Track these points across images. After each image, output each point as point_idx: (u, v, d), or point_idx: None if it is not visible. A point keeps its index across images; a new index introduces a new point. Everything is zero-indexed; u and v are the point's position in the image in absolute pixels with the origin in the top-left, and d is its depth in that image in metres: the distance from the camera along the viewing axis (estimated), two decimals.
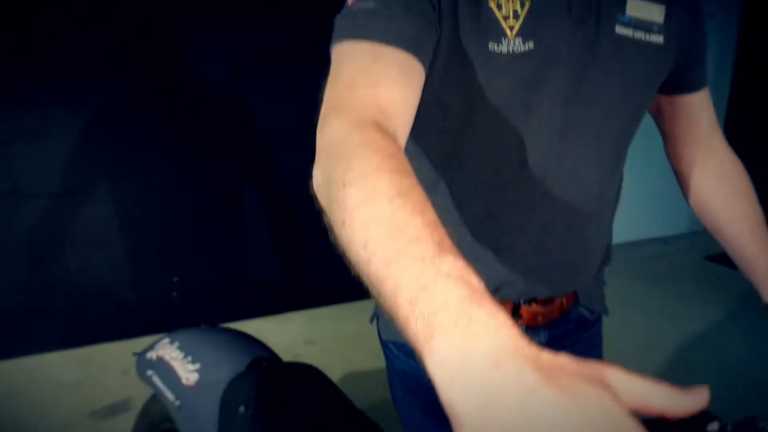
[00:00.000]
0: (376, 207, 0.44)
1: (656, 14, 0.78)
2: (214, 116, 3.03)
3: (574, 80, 0.74)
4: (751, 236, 0.91)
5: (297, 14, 2.98)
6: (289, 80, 3.02)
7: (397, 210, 0.43)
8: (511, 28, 0.69)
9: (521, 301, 0.89)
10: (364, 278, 0.43)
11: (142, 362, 1.34)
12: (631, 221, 4.10)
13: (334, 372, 1.16)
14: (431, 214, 0.43)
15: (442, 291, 0.36)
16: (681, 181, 0.99)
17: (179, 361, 1.24)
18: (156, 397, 1.36)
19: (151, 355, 1.32)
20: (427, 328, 0.35)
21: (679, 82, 0.89)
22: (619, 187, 0.93)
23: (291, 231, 3.36)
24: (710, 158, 0.95)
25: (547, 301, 0.90)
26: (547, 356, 0.33)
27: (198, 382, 1.17)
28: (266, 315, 3.25)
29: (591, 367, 0.33)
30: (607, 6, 0.74)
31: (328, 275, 3.41)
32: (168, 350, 1.29)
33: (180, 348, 1.28)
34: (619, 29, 0.75)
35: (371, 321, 1.02)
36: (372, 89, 0.59)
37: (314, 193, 0.54)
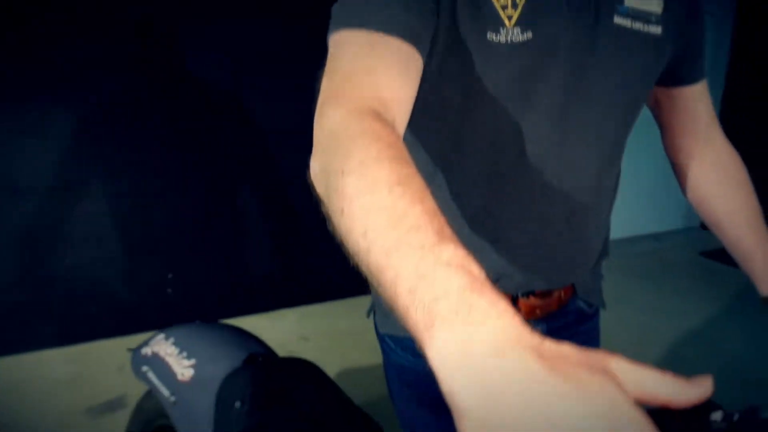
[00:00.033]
0: (375, 196, 0.43)
1: (654, 5, 0.78)
2: (211, 115, 3.02)
3: (572, 71, 0.74)
4: (748, 228, 0.91)
5: (297, 14, 2.97)
6: (289, 80, 3.01)
7: (396, 199, 0.42)
8: (510, 17, 0.69)
9: (519, 294, 0.88)
10: (363, 268, 0.43)
11: (137, 358, 1.33)
12: (625, 218, 4.11)
13: (329, 368, 1.16)
14: (431, 203, 0.43)
15: (442, 279, 0.36)
16: (679, 174, 0.99)
17: (174, 356, 1.24)
18: (151, 393, 1.35)
19: (146, 351, 1.31)
20: (427, 317, 0.35)
21: (677, 74, 0.88)
22: (617, 181, 0.92)
23: (285, 228, 3.36)
24: (708, 151, 0.94)
25: (545, 294, 0.90)
26: (550, 345, 0.33)
27: (193, 378, 1.16)
28: (260, 312, 3.24)
29: (594, 356, 0.33)
30: None
31: (321, 272, 3.42)
32: (163, 346, 1.29)
33: (175, 344, 1.27)
34: (618, 19, 0.75)
35: (368, 315, 1.02)
36: (370, 78, 0.58)
37: (311, 183, 0.54)
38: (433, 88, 0.73)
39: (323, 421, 1.07)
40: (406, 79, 0.61)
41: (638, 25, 0.77)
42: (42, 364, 2.74)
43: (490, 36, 0.69)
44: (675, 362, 2.80)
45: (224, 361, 1.17)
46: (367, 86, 0.58)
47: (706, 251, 4.28)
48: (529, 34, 0.70)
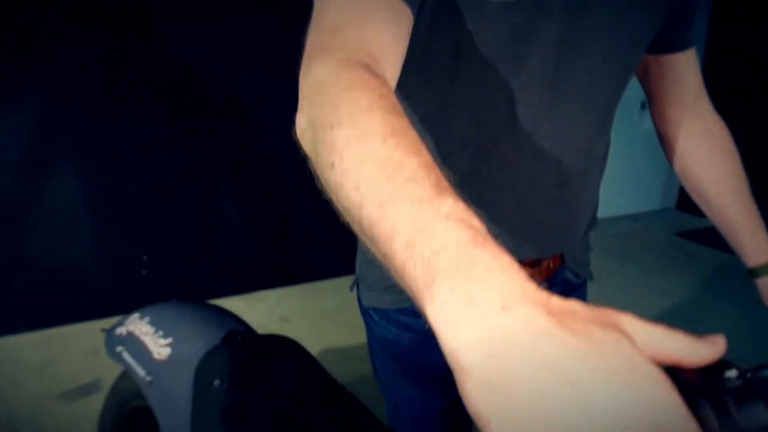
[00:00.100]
0: (368, 146, 0.40)
1: None
2: (186, 96, 2.96)
3: (565, 31, 0.71)
4: (735, 197, 0.91)
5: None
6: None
7: (391, 150, 0.40)
8: None
9: None
10: (355, 225, 0.40)
11: (111, 338, 1.29)
12: (602, 199, 4.14)
13: (310, 349, 1.14)
14: (427, 156, 0.40)
15: (441, 233, 0.33)
16: (665, 144, 0.98)
17: (150, 336, 1.20)
18: (126, 374, 1.31)
19: (121, 330, 1.28)
20: (426, 273, 0.32)
21: (668, 40, 0.87)
22: (607, 151, 0.91)
23: (262, 208, 3.31)
24: (697, 121, 0.93)
25: (534, 264, 0.88)
26: (558, 301, 0.31)
27: (170, 357, 1.13)
28: (238, 294, 3.20)
29: (604, 312, 0.31)
30: None
31: (300, 253, 3.40)
32: (138, 325, 1.25)
33: (151, 323, 1.24)
34: None
35: (351, 288, 0.99)
36: (359, 32, 0.55)
37: (297, 140, 0.50)
38: (423, 46, 0.70)
39: (305, 399, 1.04)
40: (397, 34, 0.58)
41: None
42: (12, 349, 2.67)
43: None
44: None
45: (202, 339, 1.13)
46: (356, 39, 0.54)
47: (682, 231, 4.34)
48: None
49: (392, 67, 0.57)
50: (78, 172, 2.83)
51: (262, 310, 3.09)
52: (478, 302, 0.30)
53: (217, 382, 1.02)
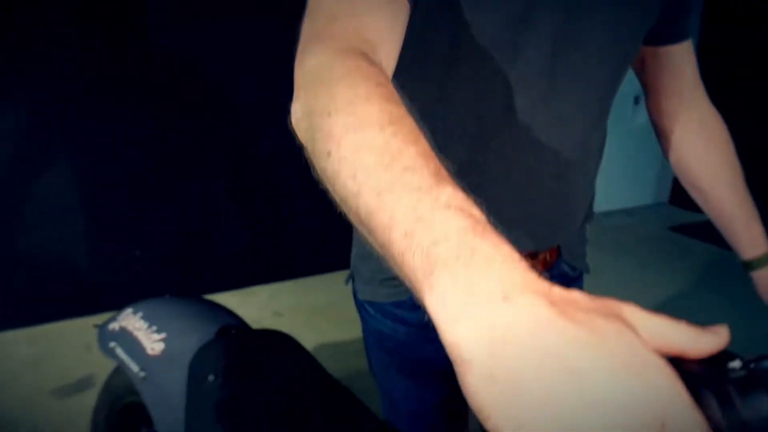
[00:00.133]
0: (366, 134, 0.40)
1: None
2: (176, 89, 2.93)
3: (562, 22, 0.71)
4: (730, 188, 0.90)
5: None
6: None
7: (389, 138, 0.39)
8: None
9: None
10: (352, 215, 0.39)
11: (104, 334, 1.28)
12: (598, 193, 4.16)
13: (304, 344, 1.14)
14: (425, 144, 0.40)
15: (441, 222, 0.33)
16: (661, 136, 0.97)
17: (143, 331, 1.19)
18: (119, 370, 1.30)
19: (114, 326, 1.27)
20: (425, 262, 0.32)
21: (665, 32, 0.86)
22: (603, 143, 0.90)
23: (256, 204, 3.30)
24: (693, 113, 0.93)
25: (531, 256, 0.88)
26: (559, 291, 0.30)
27: (164, 352, 1.12)
28: (231, 289, 3.20)
29: (607, 303, 0.30)
30: None
31: (294, 248, 3.39)
32: (131, 320, 1.24)
33: (144, 318, 1.23)
34: None
35: (347, 282, 0.99)
36: (356, 20, 0.54)
37: (292, 129, 0.50)
38: (419, 36, 0.69)
39: (300, 394, 1.04)
40: (394, 23, 0.58)
41: None
42: (4, 345, 2.65)
43: None
44: None
45: (196, 334, 1.12)
46: (353, 27, 0.54)
47: (675, 226, 4.36)
48: None
49: (389, 56, 0.56)
50: (71, 168, 2.81)
51: (256, 305, 3.08)
52: (479, 292, 0.29)
53: (211, 377, 1.01)
